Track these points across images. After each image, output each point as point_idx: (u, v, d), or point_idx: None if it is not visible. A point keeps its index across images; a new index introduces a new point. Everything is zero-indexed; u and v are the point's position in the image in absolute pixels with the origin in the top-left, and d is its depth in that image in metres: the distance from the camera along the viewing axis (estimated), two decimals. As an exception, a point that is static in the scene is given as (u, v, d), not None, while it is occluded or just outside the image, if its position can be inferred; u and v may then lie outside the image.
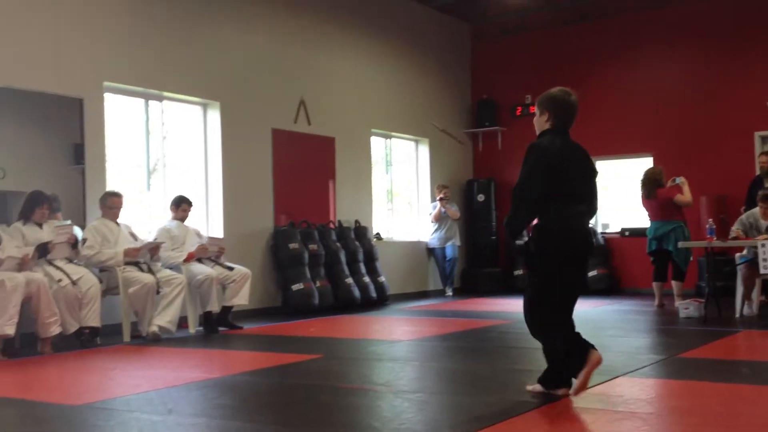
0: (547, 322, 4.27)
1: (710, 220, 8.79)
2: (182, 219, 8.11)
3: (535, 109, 4.48)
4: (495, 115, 13.16)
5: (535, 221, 4.29)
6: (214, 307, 7.70)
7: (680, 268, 9.31)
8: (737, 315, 8.24)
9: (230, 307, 7.95)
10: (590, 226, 4.48)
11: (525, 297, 4.41)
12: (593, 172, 4.42)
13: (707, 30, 11.87)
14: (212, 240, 8.23)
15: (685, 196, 9.27)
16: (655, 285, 9.58)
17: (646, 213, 9.58)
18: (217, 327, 7.75)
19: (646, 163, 11.76)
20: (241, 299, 7.95)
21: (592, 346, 4.17)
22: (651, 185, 9.42)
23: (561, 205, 4.20)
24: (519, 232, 4.36)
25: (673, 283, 9.33)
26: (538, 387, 4.33)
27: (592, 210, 4.38)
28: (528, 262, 4.44)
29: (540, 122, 4.42)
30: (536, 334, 4.36)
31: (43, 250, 6.71)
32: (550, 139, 4.29)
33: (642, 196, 9.55)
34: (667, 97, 12.07)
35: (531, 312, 4.34)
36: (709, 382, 4.76)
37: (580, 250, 4.31)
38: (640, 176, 9.72)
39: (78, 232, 7.28)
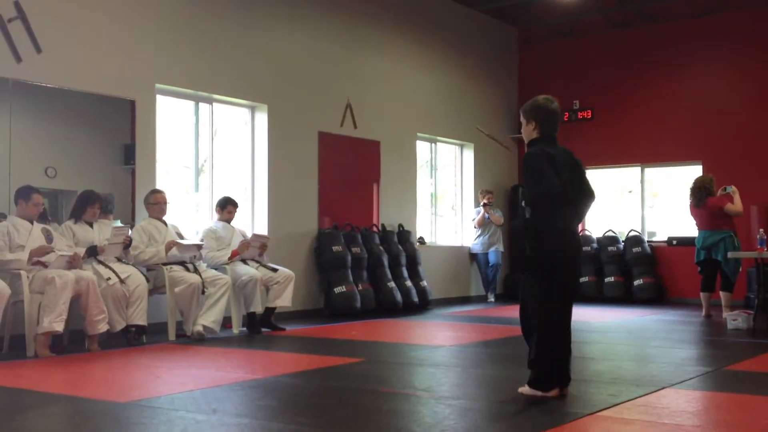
0: (538, 328, 4.42)
1: (761, 230, 8.61)
2: (228, 220, 8.20)
3: (522, 119, 4.65)
4: (541, 121, 13.01)
5: (530, 221, 4.49)
6: (258, 308, 7.76)
7: (729, 279, 9.14)
8: (787, 328, 8.08)
9: (273, 309, 8.01)
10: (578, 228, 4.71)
11: (520, 298, 4.60)
12: (583, 173, 4.62)
13: (759, 36, 11.66)
14: (256, 237, 8.26)
15: (736, 205, 9.09)
16: (702, 295, 9.42)
17: (695, 222, 9.43)
18: (260, 328, 7.82)
19: (695, 171, 11.58)
20: (285, 301, 8.00)
21: (561, 383, 4.41)
22: (700, 193, 9.26)
23: (555, 208, 4.38)
24: (526, 237, 4.54)
25: (722, 293, 9.16)
26: (527, 389, 4.48)
27: (584, 207, 4.60)
28: (524, 264, 4.62)
29: (528, 131, 4.63)
30: (527, 338, 4.52)
31: (93, 252, 6.83)
32: (540, 147, 4.49)
33: (691, 205, 9.40)
34: (717, 103, 11.87)
35: (524, 315, 4.53)
36: (758, 396, 4.67)
37: (572, 249, 4.50)
38: (689, 184, 9.57)
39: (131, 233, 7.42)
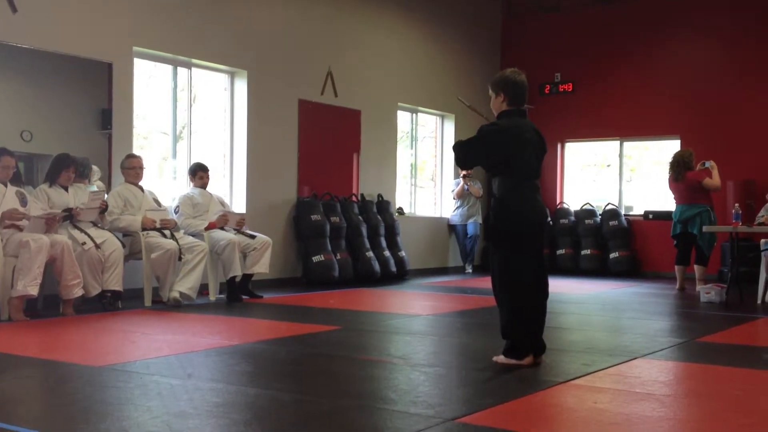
0: (511, 297, 4.51)
1: (736, 204, 8.70)
2: (203, 186, 8.13)
3: (490, 92, 4.72)
4: (522, 93, 13.01)
5: (495, 194, 4.59)
6: (237, 272, 7.70)
7: (704, 253, 9.23)
8: (759, 301, 8.19)
9: (251, 275, 7.99)
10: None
11: (491, 270, 4.66)
12: (543, 151, 4.72)
13: (738, 12, 11.69)
14: (232, 214, 8.18)
15: (714, 180, 9.17)
16: (677, 268, 9.52)
17: (673, 196, 9.50)
18: (239, 294, 7.79)
19: (674, 145, 11.66)
20: (262, 267, 7.97)
21: (536, 351, 4.51)
22: (679, 168, 9.33)
23: (518, 180, 4.49)
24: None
25: (696, 267, 9.27)
26: (502, 358, 4.54)
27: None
28: (490, 236, 4.70)
29: (497, 104, 4.70)
30: (500, 308, 4.60)
31: (68, 216, 6.76)
32: (510, 120, 4.57)
33: (670, 179, 9.46)
34: (696, 79, 11.92)
35: (495, 284, 4.60)
36: (729, 367, 4.73)
37: (538, 219, 4.59)
38: (669, 158, 9.64)
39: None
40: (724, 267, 10.78)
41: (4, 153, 6.47)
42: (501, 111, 4.65)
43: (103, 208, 7.02)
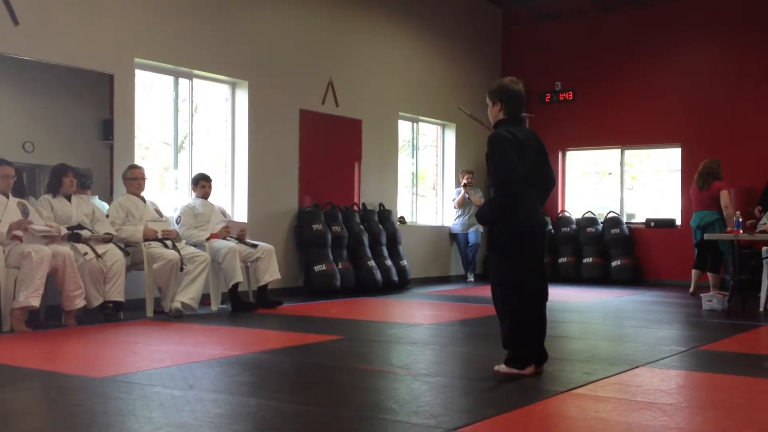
0: (512, 307, 4.48)
1: (737, 212, 8.69)
2: (204, 196, 8.15)
3: (487, 101, 4.70)
4: (523, 102, 13.04)
5: (496, 201, 4.52)
6: (239, 278, 7.69)
7: (718, 259, 9.30)
8: (761, 309, 8.18)
9: (265, 285, 7.98)
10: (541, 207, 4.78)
11: (491, 280, 4.65)
12: (546, 158, 4.69)
13: (739, 20, 11.72)
14: (235, 224, 8.20)
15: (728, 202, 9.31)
16: (693, 272, 9.60)
17: (692, 202, 9.56)
18: (255, 307, 7.79)
19: (674, 153, 11.67)
20: (274, 275, 7.98)
21: (538, 360, 4.49)
22: (708, 177, 9.37)
23: (519, 188, 4.43)
24: (493, 221, 4.57)
25: (710, 275, 9.32)
26: (503, 368, 4.53)
27: (544, 191, 4.69)
28: (492, 244, 4.65)
29: (494, 113, 4.68)
30: (501, 317, 4.56)
31: (76, 238, 6.74)
32: (507, 128, 4.53)
33: (694, 188, 9.50)
34: (697, 87, 11.94)
35: (495, 294, 4.59)
36: (731, 375, 4.73)
37: (536, 227, 4.57)
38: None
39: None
40: (726, 275, 10.76)
41: (3, 163, 6.48)
42: (498, 120, 4.64)
43: (108, 240, 6.99)
